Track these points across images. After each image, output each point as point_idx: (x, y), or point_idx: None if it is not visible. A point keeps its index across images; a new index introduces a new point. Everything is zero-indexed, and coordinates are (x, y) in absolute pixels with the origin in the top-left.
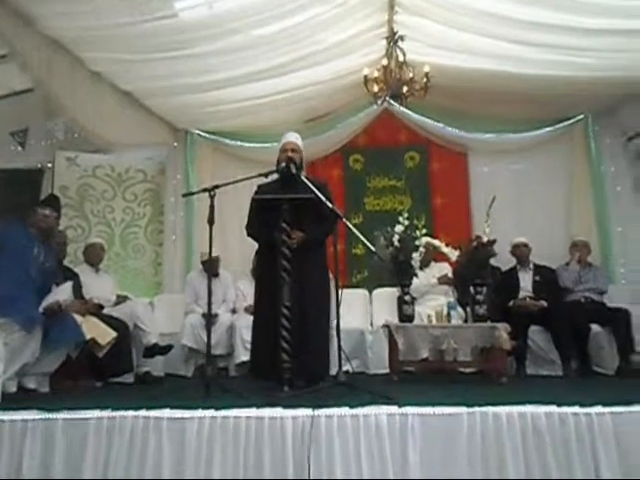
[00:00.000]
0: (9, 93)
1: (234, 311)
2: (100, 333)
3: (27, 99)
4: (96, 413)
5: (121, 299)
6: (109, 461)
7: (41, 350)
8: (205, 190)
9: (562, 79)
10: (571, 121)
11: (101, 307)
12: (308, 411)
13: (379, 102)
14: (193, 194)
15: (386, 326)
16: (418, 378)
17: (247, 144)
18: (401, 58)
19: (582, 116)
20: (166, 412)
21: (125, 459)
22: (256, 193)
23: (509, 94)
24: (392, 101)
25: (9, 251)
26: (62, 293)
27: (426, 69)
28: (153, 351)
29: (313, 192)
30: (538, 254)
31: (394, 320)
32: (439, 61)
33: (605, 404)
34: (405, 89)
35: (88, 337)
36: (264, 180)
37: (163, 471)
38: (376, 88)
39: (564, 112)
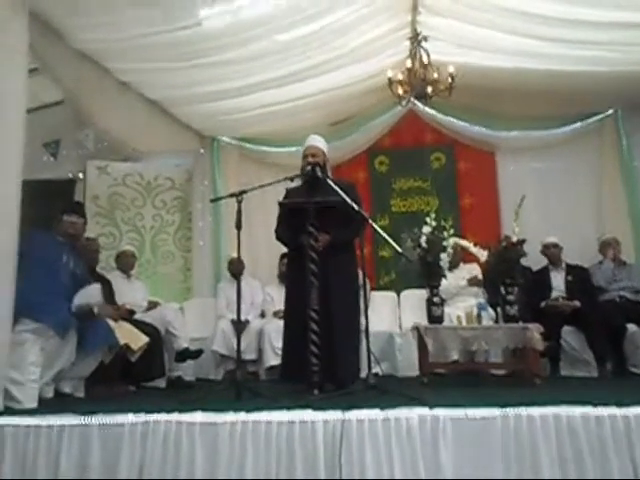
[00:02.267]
0: (41, 105)
1: (263, 316)
2: (133, 338)
3: (58, 111)
4: (130, 418)
5: (152, 305)
6: (144, 464)
7: (76, 355)
8: (232, 195)
9: (589, 74)
10: (600, 116)
11: (132, 313)
12: (339, 414)
13: (403, 103)
14: (221, 199)
15: (415, 328)
16: (448, 380)
17: (273, 149)
18: (425, 59)
19: (611, 111)
20: (198, 416)
21: (159, 463)
22: (285, 197)
23: (536, 91)
24: (417, 102)
25: (39, 259)
26: (91, 293)
27: (450, 69)
28: (184, 355)
29: (339, 195)
30: (569, 253)
31: (423, 322)
32: (463, 60)
33: None
34: (430, 89)
35: (121, 342)
36: (291, 184)
37: (196, 474)
38: (400, 90)
39: (593, 107)
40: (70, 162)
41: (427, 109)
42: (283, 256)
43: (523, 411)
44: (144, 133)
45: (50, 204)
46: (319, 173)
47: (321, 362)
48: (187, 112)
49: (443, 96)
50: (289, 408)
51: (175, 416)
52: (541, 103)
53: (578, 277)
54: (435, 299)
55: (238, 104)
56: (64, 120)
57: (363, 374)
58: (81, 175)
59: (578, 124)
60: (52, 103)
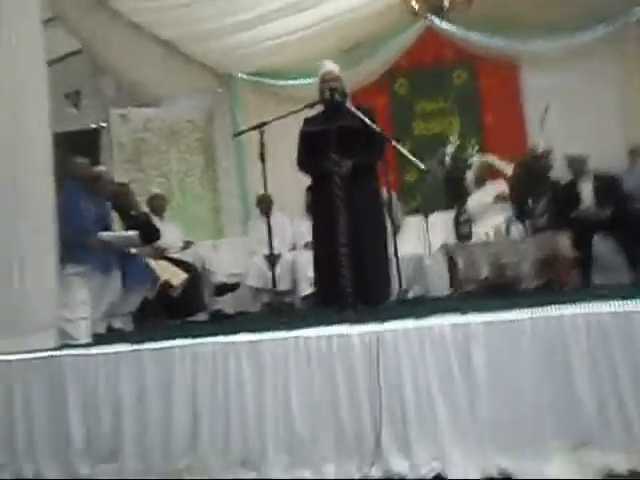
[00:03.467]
0: (58, 57)
1: (294, 248)
2: (173, 275)
3: (75, 61)
4: (179, 342)
5: (187, 244)
6: (196, 385)
7: (121, 293)
8: (254, 128)
9: None
10: (625, 19)
11: (164, 250)
12: (374, 326)
13: (420, 20)
14: (243, 133)
15: (444, 246)
16: (480, 296)
17: (289, 81)
18: None
19: (637, 15)
20: (242, 337)
21: (211, 382)
22: (303, 126)
23: None
24: (433, 17)
25: (64, 210)
26: (129, 240)
27: None
28: (222, 289)
29: (359, 118)
30: (597, 163)
31: (452, 241)
32: None
33: None
34: (446, 1)
35: (162, 279)
36: (310, 113)
37: (246, 392)
38: (415, 4)
39: (617, 10)
40: (92, 112)
41: (445, 25)
42: (309, 189)
43: (553, 311)
44: (161, 75)
45: (79, 155)
46: (338, 98)
47: (353, 284)
48: (201, 49)
49: (461, 9)
50: (326, 324)
51: (221, 338)
52: (562, 7)
53: (607, 185)
54: (462, 217)
55: (250, 37)
56: (82, 70)
57: (394, 296)
58: (104, 124)
59: (602, 27)
60: (68, 54)
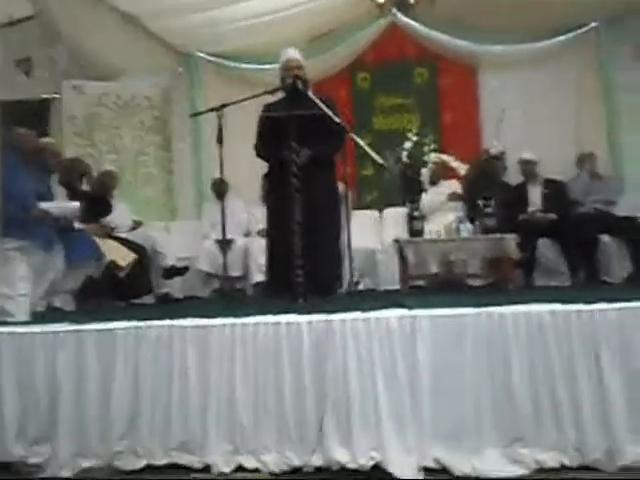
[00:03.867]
0: (9, 21)
1: (247, 235)
2: (120, 255)
3: (28, 27)
4: (123, 324)
5: (137, 224)
6: (138, 368)
7: (64, 270)
8: (213, 110)
9: None
10: (583, 29)
11: (112, 229)
12: (323, 316)
13: (385, 14)
14: (201, 114)
15: (396, 241)
16: (428, 291)
17: (251, 66)
18: None
19: (594, 24)
20: (189, 321)
21: (153, 365)
22: (263, 112)
23: (519, 3)
24: (399, 13)
25: (5, 183)
26: (69, 209)
27: None
28: (171, 272)
29: (320, 108)
30: (549, 168)
31: (404, 237)
32: None
33: (610, 301)
34: None
35: (108, 259)
36: (270, 99)
37: (190, 377)
38: None
39: (576, 21)
40: (44, 82)
41: (410, 21)
42: (266, 176)
43: (496, 309)
44: (119, 50)
45: (25, 126)
46: (300, 86)
47: (305, 273)
48: (163, 26)
49: (425, 5)
50: (275, 313)
51: (167, 322)
52: (525, 15)
53: (555, 191)
54: (415, 213)
55: (214, 16)
56: (34, 36)
57: (345, 287)
58: (56, 95)
59: (560, 38)
60: (21, 18)
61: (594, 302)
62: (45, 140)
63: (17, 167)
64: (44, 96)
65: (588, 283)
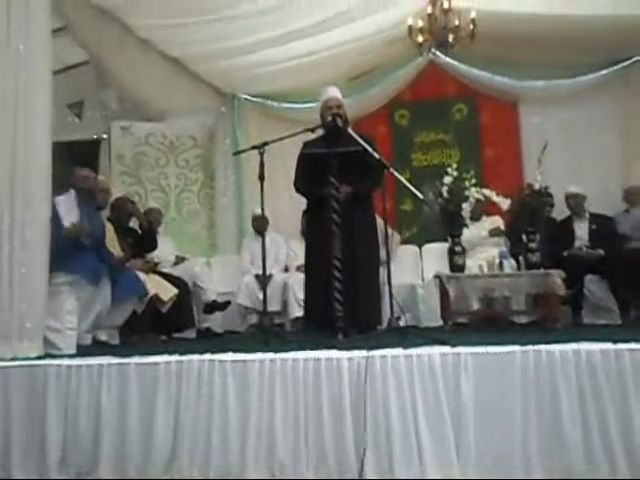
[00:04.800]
0: (64, 67)
1: (286, 270)
2: (162, 289)
3: (81, 72)
4: (165, 358)
5: (180, 260)
6: (180, 401)
7: (110, 305)
8: (255, 147)
9: (615, 19)
10: (626, 63)
11: (156, 265)
12: (363, 352)
13: (424, 53)
14: (243, 152)
15: (437, 277)
16: (470, 328)
17: (292, 105)
18: (446, 5)
19: (638, 58)
20: (229, 356)
21: (194, 399)
22: (303, 149)
23: (560, 38)
24: (438, 52)
25: (59, 220)
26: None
27: (472, 15)
28: (212, 307)
29: (359, 144)
30: (594, 203)
31: (445, 272)
32: (485, 6)
33: None
34: (451, 37)
35: (151, 293)
36: (309, 137)
37: (229, 410)
38: (421, 38)
39: (619, 55)
40: (94, 123)
41: (448, 60)
42: (305, 212)
43: (543, 347)
44: (166, 92)
45: (76, 165)
46: (340, 123)
47: (344, 309)
48: (207, 69)
49: (465, 44)
50: (315, 349)
51: (207, 356)
52: (565, 50)
53: (602, 226)
54: (457, 248)
55: (256, 59)
56: (87, 81)
57: (385, 323)
58: (105, 135)
59: (603, 72)
60: (74, 64)
61: None
62: (97, 179)
63: (73, 205)
64: (94, 137)
65: (639, 321)
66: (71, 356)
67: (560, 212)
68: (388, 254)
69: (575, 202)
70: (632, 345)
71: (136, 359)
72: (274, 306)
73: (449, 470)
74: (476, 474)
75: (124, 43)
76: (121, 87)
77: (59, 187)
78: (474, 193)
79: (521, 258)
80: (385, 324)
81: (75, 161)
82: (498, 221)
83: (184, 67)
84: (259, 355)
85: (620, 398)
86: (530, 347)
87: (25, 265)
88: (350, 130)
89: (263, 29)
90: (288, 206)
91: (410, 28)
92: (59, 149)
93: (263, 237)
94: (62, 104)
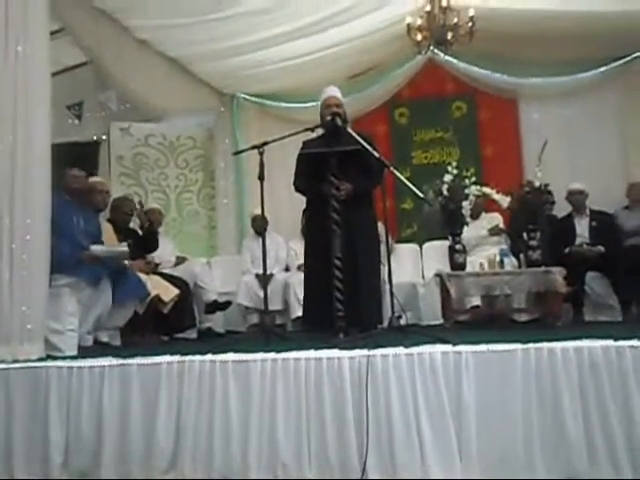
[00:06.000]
0: (63, 68)
1: (287, 270)
2: (164, 290)
3: (80, 73)
4: (167, 358)
5: (180, 260)
6: (181, 401)
7: (111, 306)
8: (254, 147)
9: (613, 14)
10: (625, 59)
11: (157, 265)
12: (364, 352)
13: (423, 51)
14: (243, 152)
15: (438, 275)
16: (471, 326)
17: (292, 104)
18: (444, 3)
19: (638, 54)
20: (231, 356)
21: (196, 399)
22: (302, 149)
23: (559, 35)
24: (436, 50)
25: (55, 223)
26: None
27: (471, 13)
28: (213, 307)
29: (359, 143)
30: (594, 199)
31: (446, 270)
32: (484, 4)
33: None
34: (450, 35)
35: (153, 294)
36: (309, 136)
37: (231, 410)
38: (420, 36)
39: (618, 51)
40: (94, 124)
41: (447, 57)
42: (305, 211)
43: (544, 345)
44: (165, 92)
45: (75, 166)
46: (339, 123)
47: (345, 308)
48: (206, 69)
49: (463, 42)
50: (316, 348)
51: (209, 357)
52: (564, 47)
53: (603, 223)
54: (457, 247)
55: (255, 59)
56: (86, 82)
57: (386, 322)
58: (105, 137)
59: (603, 68)
60: (73, 66)
61: None
62: (95, 179)
63: (67, 206)
64: (94, 138)
65: None
66: (72, 357)
67: (560, 209)
68: (389, 252)
69: (577, 199)
70: (634, 342)
71: (138, 360)
72: (275, 306)
73: (452, 469)
74: (479, 473)
75: (123, 44)
76: (120, 88)
77: (57, 189)
78: (474, 191)
79: (522, 256)
80: (386, 323)
81: (75, 163)
82: (497, 219)
83: (183, 67)
84: (260, 355)
85: (622, 395)
86: (531, 345)
87: (26, 267)
88: (349, 129)
89: (261, 29)
90: (288, 206)
91: (409, 26)
92: (59, 150)
93: (263, 237)
94: (61, 105)
